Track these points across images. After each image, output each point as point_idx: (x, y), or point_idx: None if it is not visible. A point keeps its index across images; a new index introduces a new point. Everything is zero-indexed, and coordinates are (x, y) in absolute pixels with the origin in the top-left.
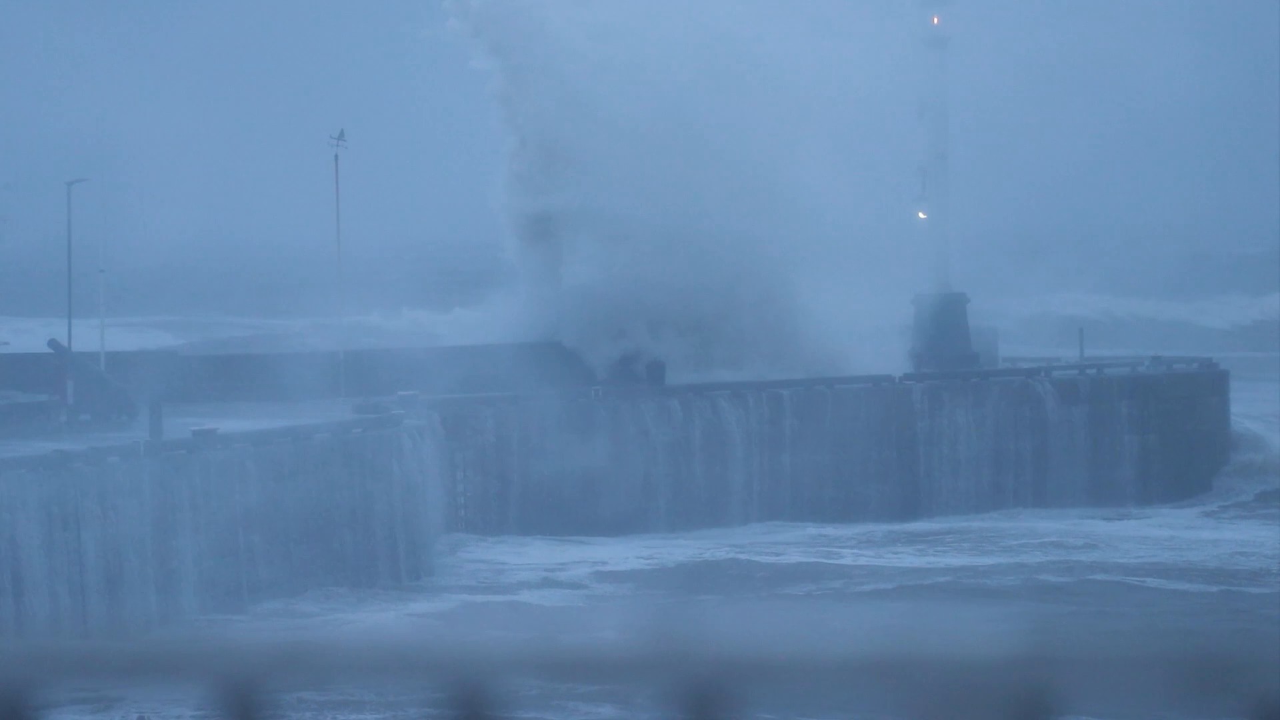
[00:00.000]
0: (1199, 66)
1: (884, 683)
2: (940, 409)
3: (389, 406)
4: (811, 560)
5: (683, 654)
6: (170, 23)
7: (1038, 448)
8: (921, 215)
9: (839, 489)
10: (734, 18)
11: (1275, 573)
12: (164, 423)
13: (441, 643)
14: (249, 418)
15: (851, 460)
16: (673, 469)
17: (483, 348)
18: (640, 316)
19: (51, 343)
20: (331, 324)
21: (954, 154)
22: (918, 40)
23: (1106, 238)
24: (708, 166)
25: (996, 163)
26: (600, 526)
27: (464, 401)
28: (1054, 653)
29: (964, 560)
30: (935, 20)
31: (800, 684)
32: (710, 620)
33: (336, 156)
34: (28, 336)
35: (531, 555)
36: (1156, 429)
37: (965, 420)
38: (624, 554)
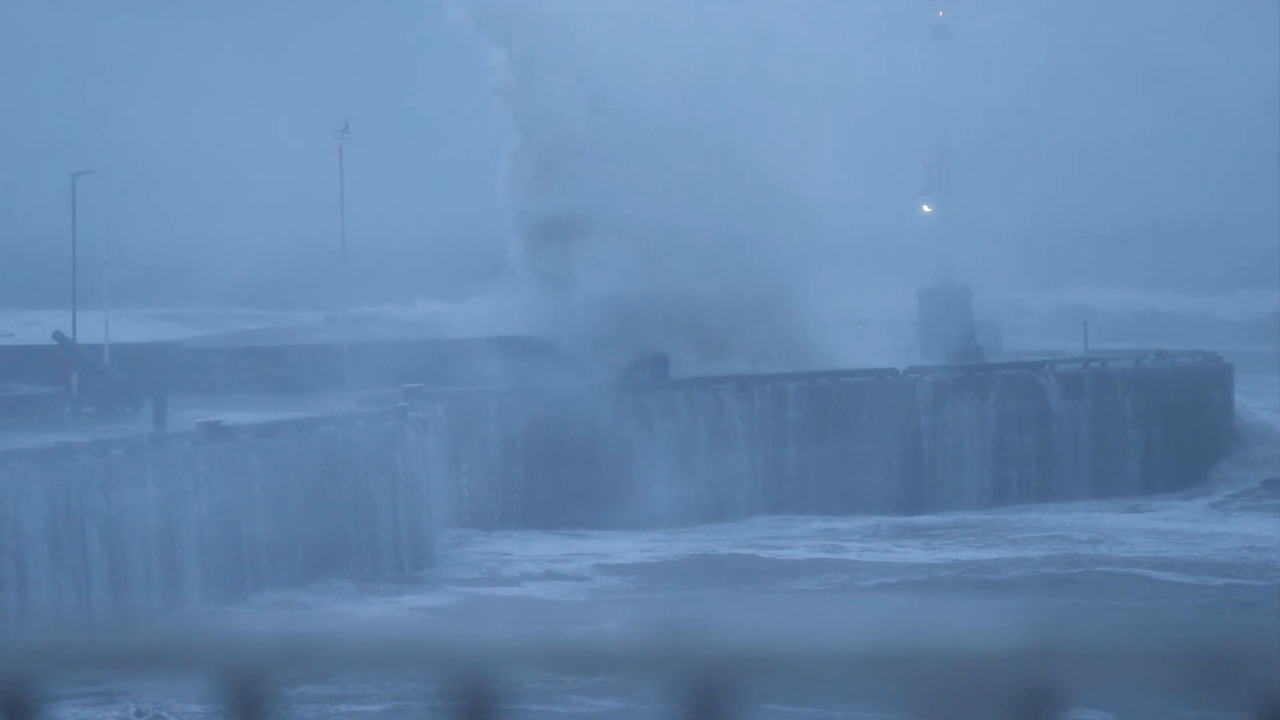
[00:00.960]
0: (1213, 55)
1: (888, 676)
2: (944, 402)
3: (393, 399)
4: (816, 553)
5: (686, 647)
6: (174, 16)
7: (1042, 441)
8: (926, 209)
9: (843, 483)
10: (741, 11)
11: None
12: (168, 415)
13: (444, 635)
14: (254, 410)
15: (856, 454)
16: (677, 462)
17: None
18: (652, 324)
19: (56, 335)
20: (346, 316)
21: (960, 147)
22: (922, 33)
23: (1123, 231)
24: (720, 166)
25: (1004, 156)
26: (604, 520)
27: (469, 394)
28: (1059, 646)
29: (968, 554)
30: (940, 13)
31: (804, 677)
32: (714, 613)
33: (341, 149)
34: (35, 329)
35: (535, 548)
36: (1160, 422)
37: (969, 414)
38: (628, 547)
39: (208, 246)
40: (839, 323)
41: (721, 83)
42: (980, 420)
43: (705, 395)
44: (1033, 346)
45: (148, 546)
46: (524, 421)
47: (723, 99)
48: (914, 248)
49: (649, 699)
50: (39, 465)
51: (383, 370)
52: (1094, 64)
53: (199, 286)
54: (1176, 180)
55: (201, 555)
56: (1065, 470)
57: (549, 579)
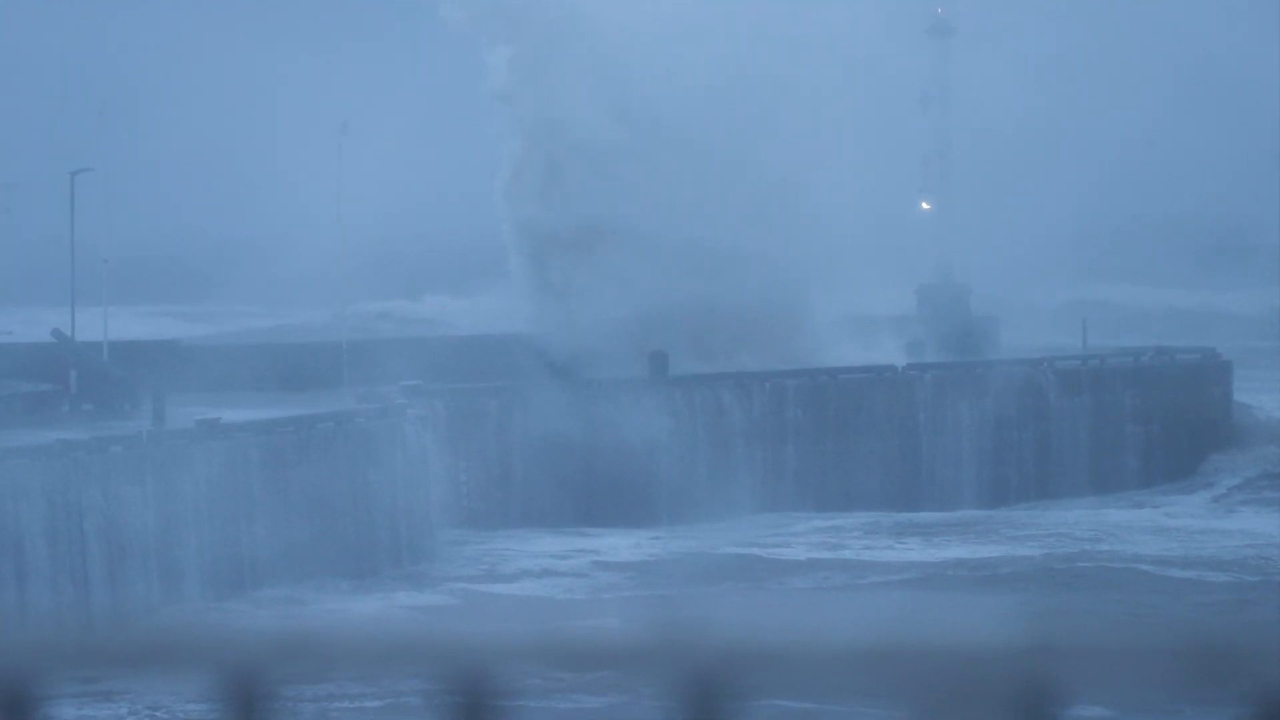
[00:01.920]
0: (1228, 44)
1: (887, 672)
2: (943, 399)
3: (392, 396)
4: (815, 551)
5: (685, 643)
6: (174, 16)
7: (1040, 438)
8: (925, 205)
9: (842, 480)
10: (740, 8)
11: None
12: (167, 412)
13: (443, 632)
14: (253, 407)
15: (855, 451)
16: (675, 459)
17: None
18: (658, 335)
19: (54, 332)
20: (347, 314)
21: (961, 144)
22: (922, 29)
23: (1125, 227)
24: (734, 175)
25: (1006, 153)
26: (603, 517)
27: (467, 391)
28: (1058, 642)
29: (967, 551)
30: (940, 10)
31: (803, 673)
32: (712, 610)
33: (340, 147)
34: (37, 327)
35: (533, 545)
36: (1159, 419)
37: (968, 411)
38: (626, 545)
39: (209, 245)
40: (845, 325)
41: (734, 88)
42: (978, 417)
43: (704, 393)
44: (1032, 344)
45: (146, 543)
46: (523, 419)
47: (735, 104)
48: (913, 244)
49: (648, 696)
50: (38, 463)
51: (382, 368)
52: (1102, 56)
53: (202, 285)
54: (1187, 174)
55: (200, 552)
56: (1064, 467)
57: (547, 576)
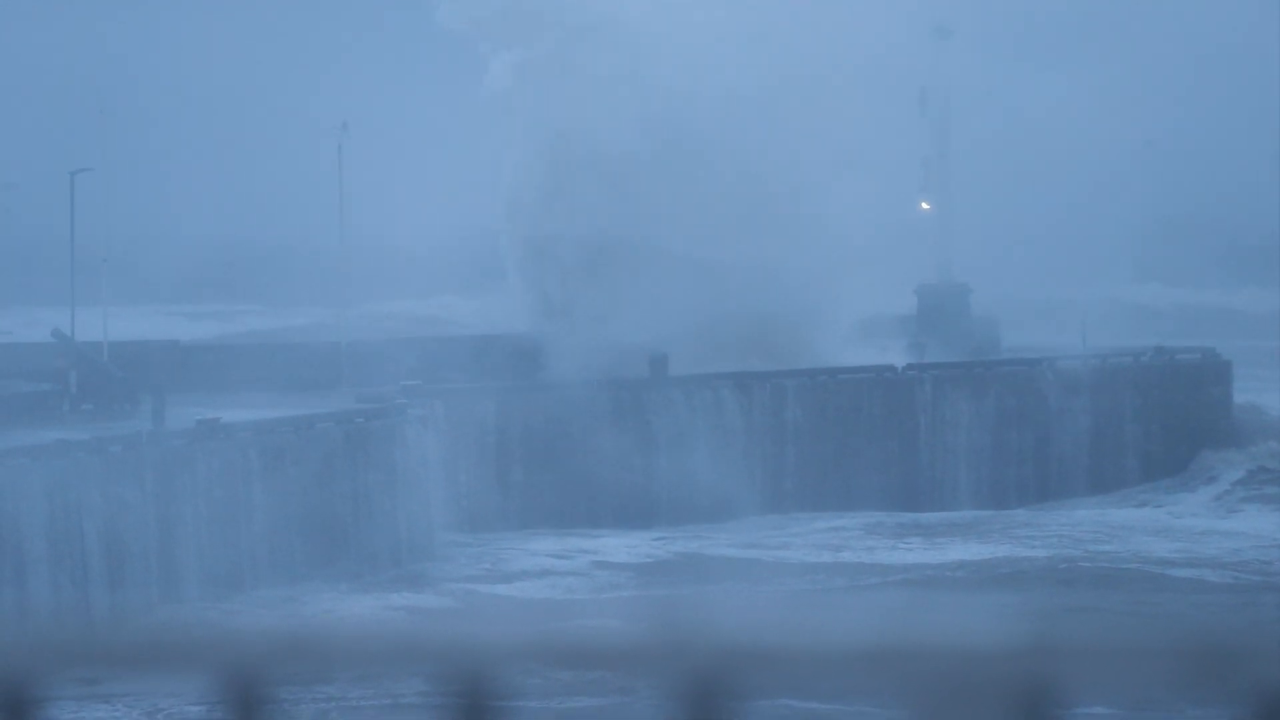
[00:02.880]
0: (1217, 49)
1: (888, 672)
2: (943, 399)
3: (392, 396)
4: (814, 551)
5: (685, 644)
6: (174, 15)
7: (1040, 438)
8: (925, 205)
9: (842, 480)
10: (738, 9)
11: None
12: (167, 412)
13: (442, 632)
14: (253, 407)
15: (854, 451)
16: (676, 460)
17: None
18: (663, 346)
19: (54, 332)
20: (346, 313)
21: (961, 144)
22: (922, 28)
23: (1127, 226)
24: (739, 187)
25: (1006, 152)
26: (602, 518)
27: (467, 391)
28: (1059, 642)
29: (967, 551)
30: (940, 8)
31: (803, 673)
32: (712, 610)
33: (340, 147)
34: (37, 327)
35: (533, 546)
36: (1159, 419)
37: (968, 411)
38: (626, 545)
39: (209, 245)
40: (855, 332)
41: (746, 96)
42: (978, 417)
43: (704, 393)
44: (1032, 344)
45: (146, 543)
46: (523, 419)
47: (747, 112)
48: (913, 245)
49: (648, 696)
50: (38, 462)
51: (382, 368)
52: (1103, 55)
53: (202, 285)
54: (1190, 173)
55: (199, 552)
56: (1064, 467)
57: (547, 576)
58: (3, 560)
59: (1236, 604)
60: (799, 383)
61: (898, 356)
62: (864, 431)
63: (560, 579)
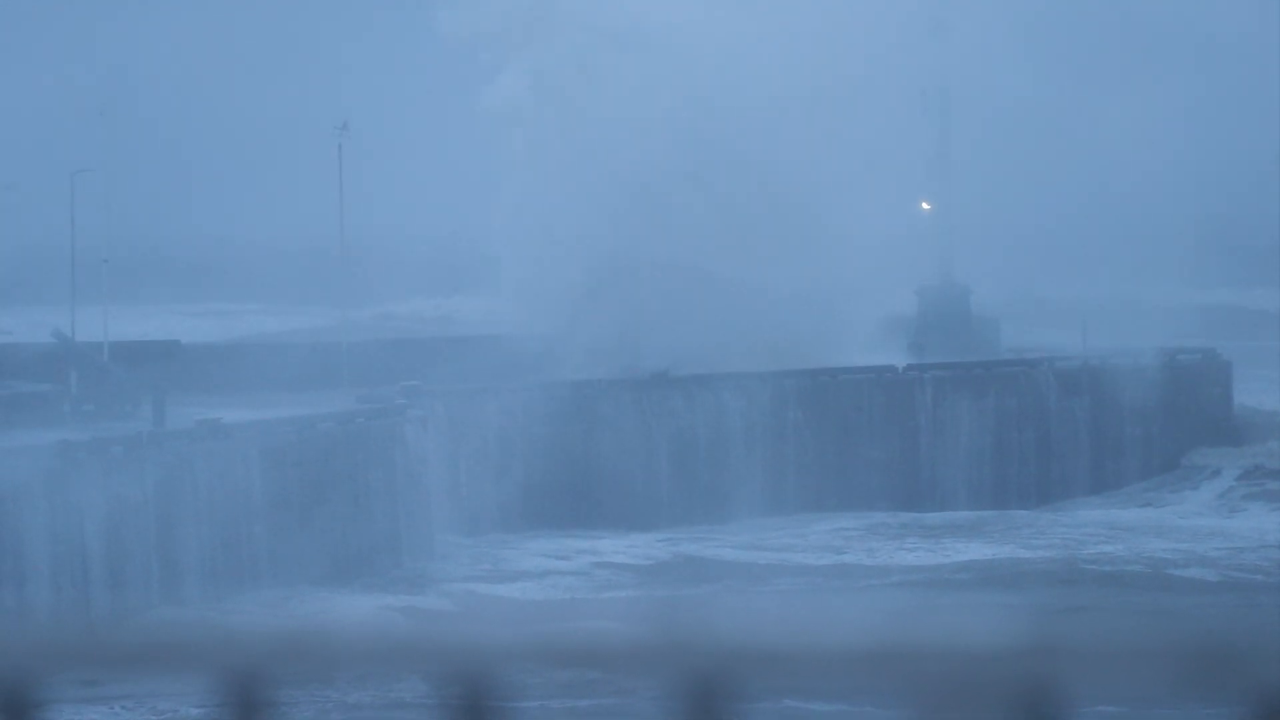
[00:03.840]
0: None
1: (889, 672)
2: (943, 400)
3: (392, 396)
4: (815, 551)
5: (686, 644)
6: (174, 15)
7: (1040, 438)
8: (925, 206)
9: (842, 480)
10: (740, 13)
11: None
12: (168, 412)
13: (443, 632)
14: (254, 408)
15: (855, 452)
16: (676, 460)
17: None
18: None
19: (55, 332)
20: (347, 313)
21: (961, 143)
22: (922, 27)
23: (1128, 225)
24: (753, 200)
25: (1007, 152)
26: (603, 518)
27: (467, 392)
28: (1060, 643)
29: (967, 551)
30: (940, 8)
31: (804, 673)
32: (713, 610)
33: (340, 146)
34: (37, 327)
35: (534, 547)
36: (1159, 419)
37: (968, 411)
38: (626, 546)
39: (209, 245)
40: (869, 338)
41: (759, 106)
42: (979, 417)
43: (704, 393)
44: (1032, 344)
45: (147, 544)
46: (523, 419)
47: (761, 123)
48: (914, 245)
49: (648, 697)
50: (38, 463)
51: (382, 368)
52: (1104, 54)
53: (203, 285)
54: (1193, 172)
55: (200, 553)
56: (1064, 467)
57: (547, 577)
58: (3, 560)
59: (1237, 604)
60: (799, 383)
61: (898, 357)
62: (864, 432)
63: (561, 579)
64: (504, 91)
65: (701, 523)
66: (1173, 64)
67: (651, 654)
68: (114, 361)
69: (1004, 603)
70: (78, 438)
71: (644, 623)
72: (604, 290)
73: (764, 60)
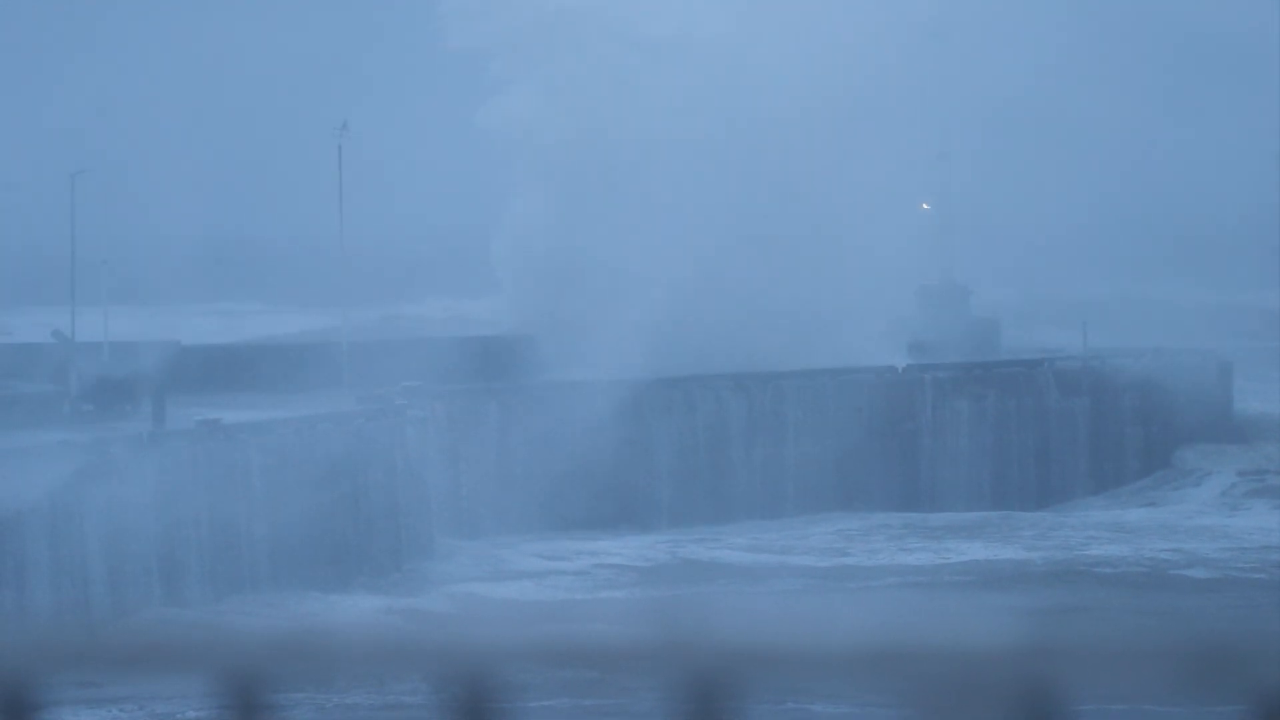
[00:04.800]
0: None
1: (888, 673)
2: (943, 400)
3: (392, 397)
4: (815, 551)
5: (686, 644)
6: (174, 15)
7: (1040, 438)
8: (925, 206)
9: (842, 481)
10: (740, 19)
11: None
12: (168, 412)
13: (442, 633)
14: (253, 407)
15: (854, 452)
16: (676, 461)
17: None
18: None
19: (54, 333)
20: (356, 313)
21: (965, 143)
22: (922, 28)
23: (1129, 225)
24: (766, 211)
25: (1007, 151)
26: (603, 519)
27: (467, 392)
28: (1058, 643)
29: (967, 551)
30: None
31: (805, 674)
32: (712, 610)
33: (340, 147)
34: (37, 327)
35: (533, 547)
36: (1159, 420)
37: (968, 412)
38: (626, 546)
39: (209, 245)
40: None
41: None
42: (978, 418)
43: (704, 392)
44: (1032, 344)
45: (146, 544)
46: (523, 419)
47: (773, 132)
48: (914, 245)
49: (648, 697)
50: (38, 463)
51: (382, 368)
52: (1105, 53)
53: (203, 286)
54: (1194, 171)
55: (200, 553)
56: (1064, 467)
57: (547, 578)
58: (3, 561)
59: (1238, 603)
60: (799, 383)
61: (898, 357)
62: (864, 432)
63: (561, 580)
64: (516, 103)
65: (702, 523)
66: (1173, 63)
67: (651, 655)
68: (114, 361)
69: (1004, 603)
70: (78, 438)
71: (644, 623)
72: (620, 296)
73: (774, 69)
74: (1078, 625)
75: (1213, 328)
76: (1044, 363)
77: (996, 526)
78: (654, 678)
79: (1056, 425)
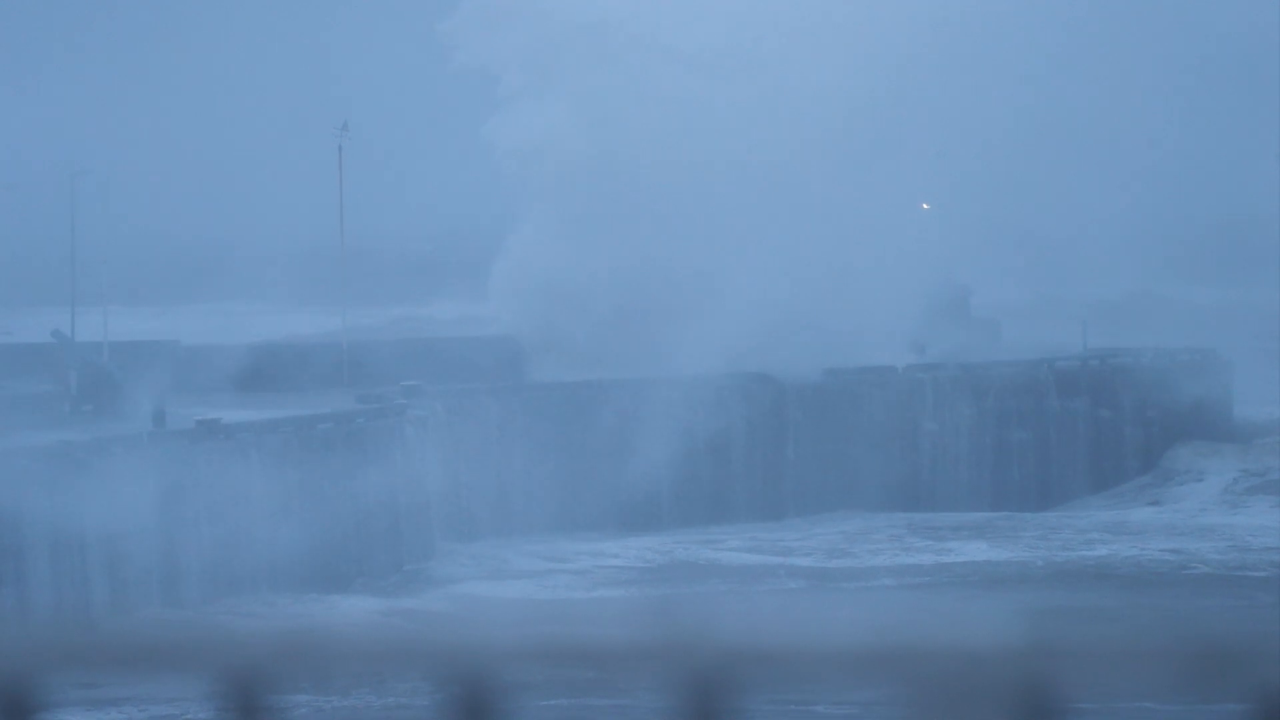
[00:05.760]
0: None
1: (888, 673)
2: (943, 400)
3: (392, 396)
4: (815, 552)
5: (685, 643)
6: (174, 15)
7: (1040, 438)
8: (925, 206)
9: (842, 481)
10: (740, 21)
11: None
12: (168, 412)
13: (442, 633)
14: (253, 407)
15: (855, 452)
16: (676, 461)
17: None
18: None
19: (54, 333)
20: (356, 313)
21: (961, 142)
22: (922, 27)
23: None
24: (779, 220)
25: (1007, 151)
26: (603, 519)
27: (467, 392)
28: (1058, 643)
29: (968, 551)
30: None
31: (804, 673)
32: (712, 610)
33: (340, 148)
34: (37, 327)
35: (534, 547)
36: (1159, 419)
37: (968, 411)
38: (627, 546)
39: (209, 245)
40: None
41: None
42: (979, 418)
43: (704, 392)
44: (1032, 344)
45: (146, 544)
46: (523, 419)
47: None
48: (914, 245)
49: (648, 696)
50: (38, 463)
51: (382, 368)
52: (1106, 51)
53: (203, 286)
54: (1195, 170)
55: (199, 554)
56: (1064, 468)
57: (547, 578)
58: (3, 560)
59: (1238, 603)
60: (799, 383)
61: (898, 357)
62: (864, 432)
63: (561, 580)
64: (527, 117)
65: (702, 524)
66: (1174, 63)
67: (651, 654)
68: (113, 361)
69: (1005, 603)
70: (78, 438)
71: (644, 623)
72: (619, 297)
73: (795, 82)
74: (1078, 625)
75: (1213, 328)
76: (1044, 362)
77: (997, 526)
78: (654, 677)
79: (1056, 425)
